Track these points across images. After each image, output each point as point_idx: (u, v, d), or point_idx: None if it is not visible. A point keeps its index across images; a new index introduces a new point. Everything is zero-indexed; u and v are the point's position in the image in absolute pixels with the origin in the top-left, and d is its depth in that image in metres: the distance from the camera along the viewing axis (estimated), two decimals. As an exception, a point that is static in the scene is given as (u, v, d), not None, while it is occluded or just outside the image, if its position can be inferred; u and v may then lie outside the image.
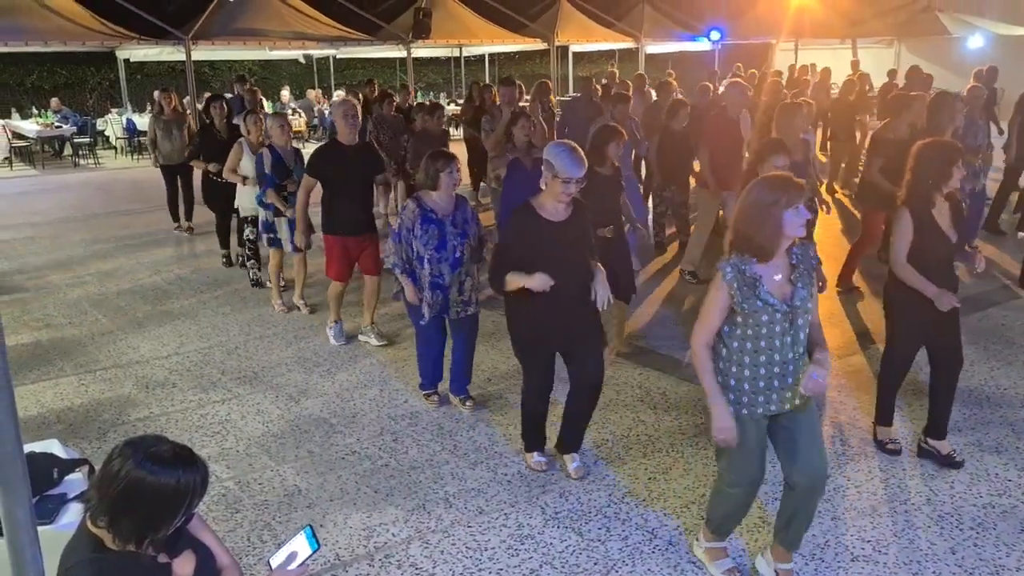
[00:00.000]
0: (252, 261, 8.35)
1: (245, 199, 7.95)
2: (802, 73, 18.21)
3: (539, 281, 4.17)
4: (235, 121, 8.99)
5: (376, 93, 12.87)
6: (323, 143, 6.73)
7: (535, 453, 4.79)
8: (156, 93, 19.29)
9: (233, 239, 9.14)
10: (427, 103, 11.04)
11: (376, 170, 6.67)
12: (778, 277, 3.25)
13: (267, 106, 20.89)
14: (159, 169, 10.64)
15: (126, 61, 21.37)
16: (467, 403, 5.56)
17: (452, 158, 5.17)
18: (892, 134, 7.15)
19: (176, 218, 11.01)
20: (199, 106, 15.82)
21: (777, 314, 3.23)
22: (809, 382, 3.21)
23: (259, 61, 25.66)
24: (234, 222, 8.83)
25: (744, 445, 3.38)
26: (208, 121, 9.37)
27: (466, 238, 5.22)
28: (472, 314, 5.40)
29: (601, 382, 4.55)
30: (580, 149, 4.25)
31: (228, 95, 21.21)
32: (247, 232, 8.12)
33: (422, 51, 22.77)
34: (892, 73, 17.23)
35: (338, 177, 6.36)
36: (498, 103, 9.85)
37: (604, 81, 14.54)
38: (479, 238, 5.32)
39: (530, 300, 4.27)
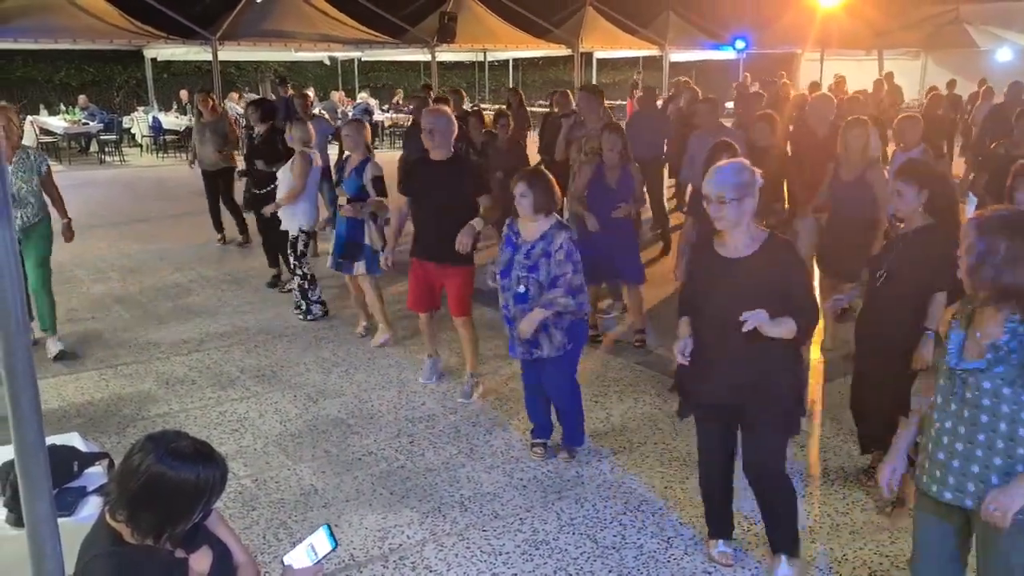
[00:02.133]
0: (299, 290, 7.41)
1: (297, 215, 7.23)
2: (840, 85, 18.07)
3: (677, 347, 3.58)
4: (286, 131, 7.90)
5: (433, 99, 11.99)
6: (415, 157, 6.11)
7: (718, 541, 4.00)
8: (183, 93, 19.37)
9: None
10: (496, 110, 9.88)
11: (472, 190, 5.53)
12: None
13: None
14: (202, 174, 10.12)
15: (153, 60, 21.60)
16: (572, 453, 4.96)
17: (521, 178, 4.62)
18: (1003, 149, 6.64)
19: (219, 228, 10.30)
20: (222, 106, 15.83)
21: None
22: None
23: (284, 62, 25.83)
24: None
25: None
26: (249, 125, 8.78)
27: (535, 273, 4.56)
28: (546, 359, 4.70)
29: (764, 469, 3.66)
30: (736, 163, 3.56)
31: (253, 95, 21.33)
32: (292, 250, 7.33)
33: (446, 55, 22.84)
34: (951, 84, 17.02)
35: (419, 194, 5.70)
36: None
37: (666, 91, 14.21)
38: (556, 277, 4.55)
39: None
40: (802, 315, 3.38)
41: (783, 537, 3.75)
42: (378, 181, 6.52)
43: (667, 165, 10.83)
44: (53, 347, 6.43)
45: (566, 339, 4.64)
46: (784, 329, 3.33)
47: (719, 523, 4.00)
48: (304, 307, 7.41)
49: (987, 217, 2.70)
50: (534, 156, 10.04)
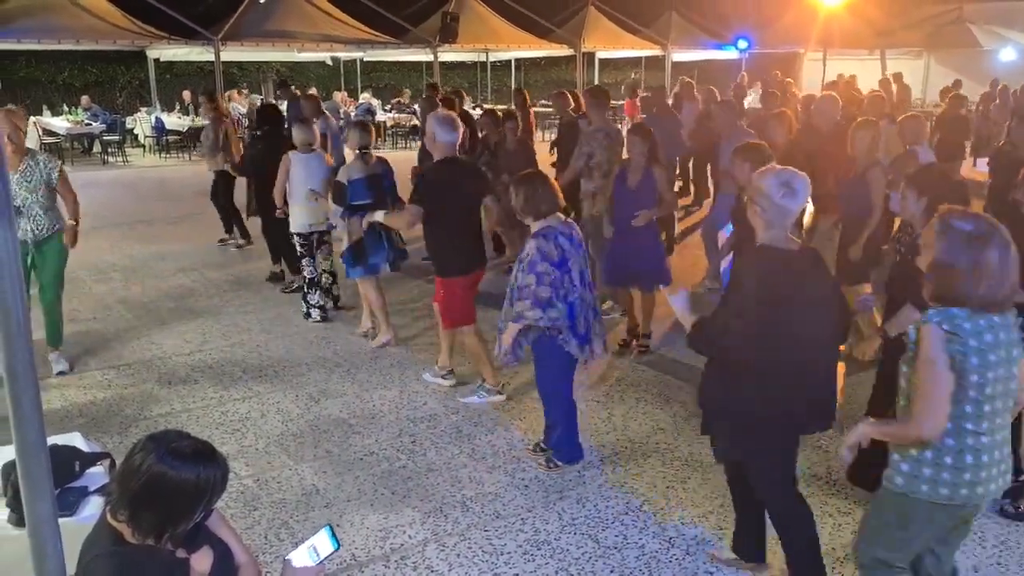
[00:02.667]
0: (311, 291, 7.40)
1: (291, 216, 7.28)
2: (851, 84, 18.09)
3: None
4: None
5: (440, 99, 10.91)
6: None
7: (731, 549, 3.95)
8: (186, 93, 19.41)
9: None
10: (503, 110, 9.39)
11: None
12: None
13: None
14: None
15: (156, 60, 21.60)
16: (545, 462, 4.86)
17: (509, 183, 4.72)
18: (1009, 147, 6.80)
19: (234, 230, 10.23)
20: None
21: None
22: None
23: (287, 62, 25.84)
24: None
25: None
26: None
27: (512, 276, 4.67)
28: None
29: (758, 491, 3.60)
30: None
31: (257, 96, 21.31)
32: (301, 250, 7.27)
33: (448, 55, 22.83)
34: (957, 84, 17.09)
35: None
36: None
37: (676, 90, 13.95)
38: (522, 287, 4.50)
39: None
40: (710, 321, 3.34)
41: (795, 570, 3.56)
42: (335, 185, 6.50)
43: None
44: (57, 364, 6.18)
45: (511, 353, 4.59)
46: (688, 321, 3.41)
47: (736, 538, 3.88)
48: (304, 308, 7.43)
49: (947, 218, 2.76)
50: (541, 157, 9.98)
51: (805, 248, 3.39)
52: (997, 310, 2.70)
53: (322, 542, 2.46)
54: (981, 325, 2.67)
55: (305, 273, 7.32)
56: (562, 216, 4.61)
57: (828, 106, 7.81)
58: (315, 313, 7.38)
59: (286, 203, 7.21)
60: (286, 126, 8.98)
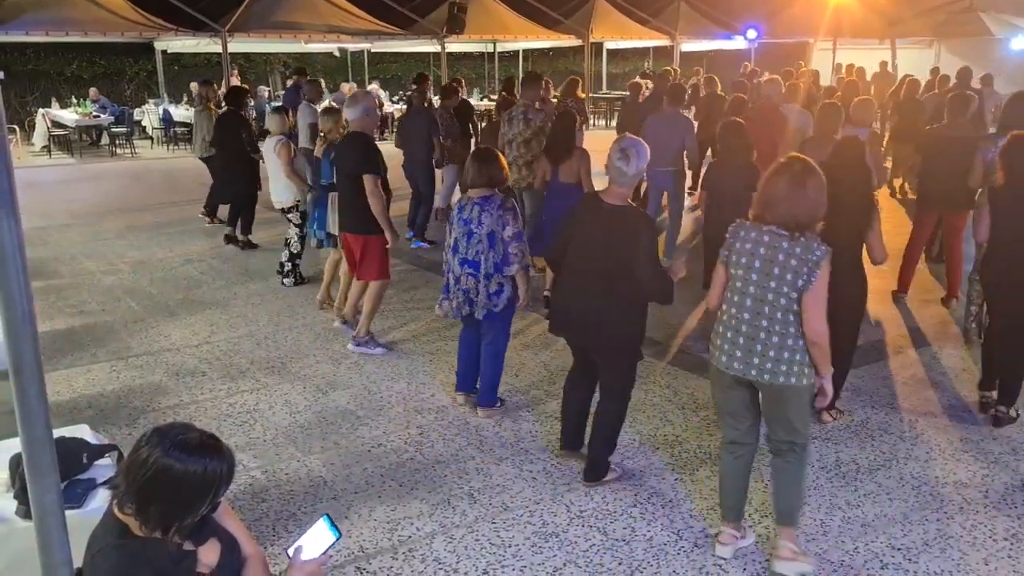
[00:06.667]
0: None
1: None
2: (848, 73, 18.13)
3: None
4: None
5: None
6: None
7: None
8: (193, 85, 19.53)
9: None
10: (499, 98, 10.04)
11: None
12: None
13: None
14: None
15: (164, 52, 21.61)
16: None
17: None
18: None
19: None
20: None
21: None
22: None
23: (294, 54, 25.80)
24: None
25: None
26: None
27: None
28: None
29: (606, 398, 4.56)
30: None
31: (263, 88, 21.30)
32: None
33: (456, 46, 22.76)
34: (935, 71, 17.05)
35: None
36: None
37: (692, 81, 14.56)
38: None
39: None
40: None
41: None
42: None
43: None
44: None
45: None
46: None
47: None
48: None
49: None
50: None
51: (624, 207, 4.19)
52: (770, 224, 3.44)
53: (323, 532, 2.47)
54: (751, 236, 3.50)
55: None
56: (485, 191, 5.08)
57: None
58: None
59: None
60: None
